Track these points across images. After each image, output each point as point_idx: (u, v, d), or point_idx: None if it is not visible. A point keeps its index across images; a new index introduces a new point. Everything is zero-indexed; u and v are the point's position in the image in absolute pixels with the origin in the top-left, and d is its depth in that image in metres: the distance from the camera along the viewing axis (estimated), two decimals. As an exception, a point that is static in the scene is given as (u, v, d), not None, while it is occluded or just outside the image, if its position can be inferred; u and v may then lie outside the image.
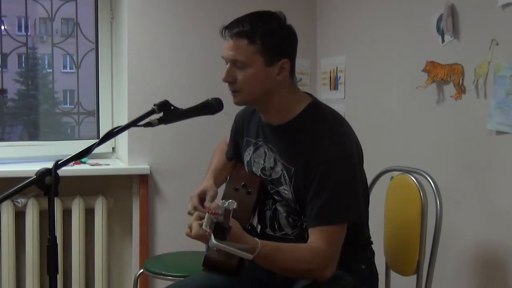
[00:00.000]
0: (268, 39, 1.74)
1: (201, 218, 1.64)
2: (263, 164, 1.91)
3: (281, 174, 1.84)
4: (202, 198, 1.93)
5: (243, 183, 1.93)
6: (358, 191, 1.77)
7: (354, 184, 1.75)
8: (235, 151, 2.08)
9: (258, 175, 1.93)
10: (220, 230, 1.53)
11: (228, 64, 1.78)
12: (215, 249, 1.54)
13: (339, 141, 1.75)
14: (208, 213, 1.57)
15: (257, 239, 1.65)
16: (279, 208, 1.90)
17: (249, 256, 1.55)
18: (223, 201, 1.56)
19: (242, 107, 2.02)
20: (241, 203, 1.82)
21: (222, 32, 1.77)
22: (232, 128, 2.10)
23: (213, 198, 1.92)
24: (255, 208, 1.93)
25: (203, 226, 1.58)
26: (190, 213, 1.84)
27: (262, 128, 1.91)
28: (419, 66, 2.49)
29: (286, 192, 1.84)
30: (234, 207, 1.55)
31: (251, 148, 1.96)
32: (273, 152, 1.87)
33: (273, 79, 1.77)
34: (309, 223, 1.75)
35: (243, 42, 1.73)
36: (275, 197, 1.90)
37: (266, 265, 1.70)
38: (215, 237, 1.52)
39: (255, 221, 2.02)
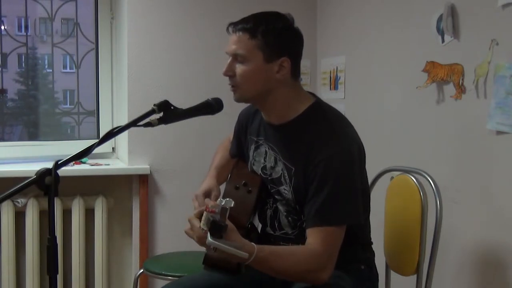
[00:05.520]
0: (270, 36, 1.75)
1: (201, 215, 1.64)
2: (264, 163, 1.91)
3: (281, 173, 1.84)
4: (207, 197, 1.93)
5: (243, 181, 1.92)
6: (357, 192, 1.76)
7: (353, 184, 1.75)
8: (238, 149, 2.08)
9: (259, 174, 1.93)
10: (216, 228, 1.53)
11: (230, 58, 1.79)
12: (212, 247, 1.53)
13: (340, 140, 1.75)
14: (205, 211, 1.57)
15: (253, 243, 1.63)
16: (280, 207, 1.90)
17: (244, 255, 1.54)
18: (221, 199, 1.56)
19: (243, 106, 2.01)
20: (242, 201, 1.82)
21: (227, 28, 1.80)
22: (236, 126, 2.10)
23: (217, 198, 1.91)
24: (256, 206, 1.92)
25: (201, 225, 1.58)
26: None
27: (264, 127, 1.91)
28: (419, 66, 2.49)
29: (286, 192, 1.84)
30: (231, 205, 1.55)
31: (253, 147, 1.96)
32: (274, 151, 1.87)
33: (272, 76, 1.77)
34: (307, 223, 1.75)
35: (245, 36, 1.75)
36: (276, 196, 1.89)
37: (262, 269, 1.68)
38: (211, 235, 1.52)
39: (256, 220, 2.01)
